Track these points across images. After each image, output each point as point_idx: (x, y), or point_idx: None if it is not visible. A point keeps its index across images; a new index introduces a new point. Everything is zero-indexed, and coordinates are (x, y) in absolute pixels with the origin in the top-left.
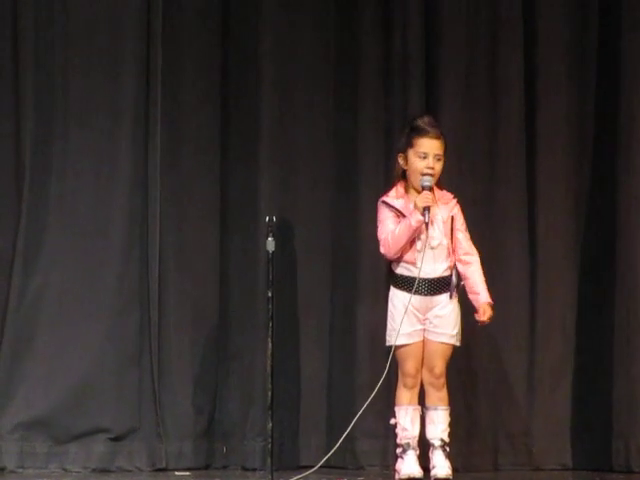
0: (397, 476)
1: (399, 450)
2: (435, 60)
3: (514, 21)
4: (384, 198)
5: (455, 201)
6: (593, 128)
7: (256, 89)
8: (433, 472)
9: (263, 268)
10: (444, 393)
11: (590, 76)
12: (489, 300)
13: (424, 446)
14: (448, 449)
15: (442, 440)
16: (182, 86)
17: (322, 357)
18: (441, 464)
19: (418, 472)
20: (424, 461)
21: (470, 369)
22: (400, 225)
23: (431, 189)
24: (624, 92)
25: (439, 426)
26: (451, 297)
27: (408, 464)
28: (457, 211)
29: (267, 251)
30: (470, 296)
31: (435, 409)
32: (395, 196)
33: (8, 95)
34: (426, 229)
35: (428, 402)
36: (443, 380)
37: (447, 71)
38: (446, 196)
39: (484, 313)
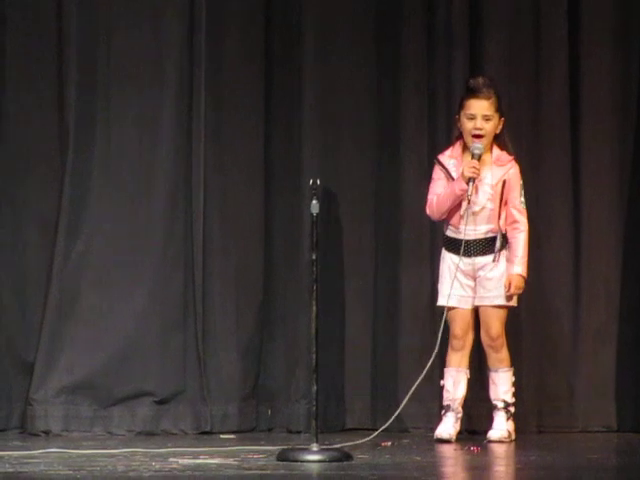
0: None
1: (442, 411)
2: (479, 25)
3: None
4: (439, 156)
5: (512, 163)
6: (637, 90)
7: (299, 55)
8: (489, 433)
9: (307, 231)
10: (503, 354)
11: (635, 38)
12: (520, 272)
13: (472, 408)
14: (513, 410)
15: (504, 401)
16: (226, 52)
17: (366, 320)
18: (498, 426)
19: (447, 435)
20: (475, 424)
21: (514, 332)
22: (444, 190)
23: (480, 157)
24: None
25: (501, 387)
26: (494, 260)
27: (443, 426)
28: (513, 174)
29: (311, 214)
30: (507, 264)
31: (496, 371)
32: (450, 155)
33: (52, 59)
34: (468, 199)
35: (489, 364)
36: (501, 341)
37: (491, 36)
38: (503, 157)
39: (509, 284)
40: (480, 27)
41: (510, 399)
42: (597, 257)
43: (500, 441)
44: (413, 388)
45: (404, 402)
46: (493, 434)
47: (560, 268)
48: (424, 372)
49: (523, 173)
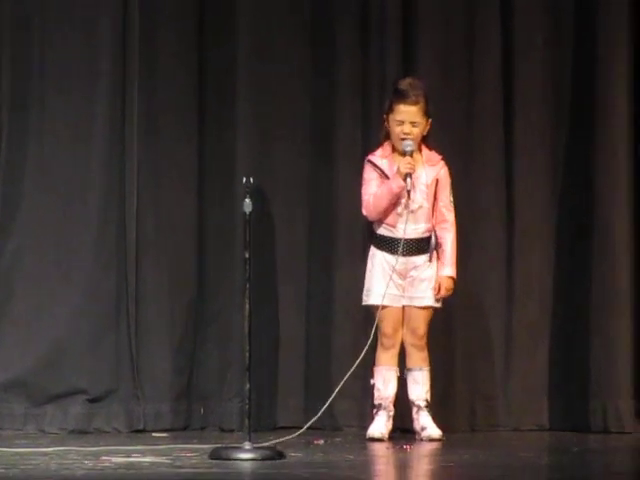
0: None
1: (373, 410)
2: (412, 23)
3: None
4: (370, 157)
5: (442, 163)
6: (570, 90)
7: (232, 53)
8: (425, 433)
9: (240, 230)
10: (426, 354)
11: (568, 36)
12: (450, 274)
13: (405, 408)
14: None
15: (426, 401)
16: (159, 51)
17: (300, 319)
18: (431, 424)
19: (380, 434)
20: (407, 422)
21: (447, 331)
22: (381, 189)
23: (412, 154)
24: (601, 51)
25: (423, 387)
26: (430, 260)
27: (375, 425)
28: (444, 173)
29: (244, 212)
30: (437, 263)
31: (420, 369)
32: (381, 155)
33: None
34: (407, 195)
35: (410, 363)
36: (425, 341)
37: (424, 32)
38: (434, 157)
39: (440, 286)
40: (414, 23)
41: (429, 398)
42: (530, 254)
43: (440, 439)
44: (341, 384)
45: (331, 398)
46: (432, 433)
47: (493, 265)
48: (352, 369)
49: (456, 170)
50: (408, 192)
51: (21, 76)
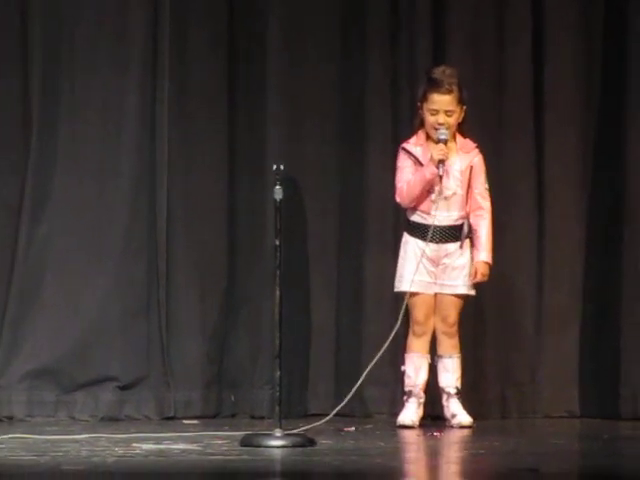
0: None
1: (404, 397)
2: (442, 10)
3: None
4: (404, 144)
5: (477, 151)
6: (600, 73)
7: (263, 40)
8: (455, 420)
9: (271, 217)
10: (457, 341)
11: (598, 22)
12: (486, 259)
13: (437, 395)
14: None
15: (457, 388)
16: (189, 36)
17: (330, 305)
18: (461, 411)
19: (411, 421)
20: (438, 409)
21: (477, 317)
22: (415, 175)
23: (446, 142)
24: (632, 33)
25: (453, 374)
26: (461, 247)
27: (405, 412)
28: (478, 161)
29: (275, 199)
30: (473, 250)
31: (450, 357)
32: (415, 143)
33: (16, 46)
34: (440, 181)
35: (441, 350)
36: (456, 328)
37: (454, 21)
38: (468, 145)
39: (476, 272)
40: (443, 10)
41: (459, 386)
42: (561, 241)
43: (471, 426)
44: (367, 370)
45: (358, 383)
46: (463, 419)
47: (524, 252)
48: (379, 354)
49: (487, 157)
50: (440, 177)
51: (52, 63)
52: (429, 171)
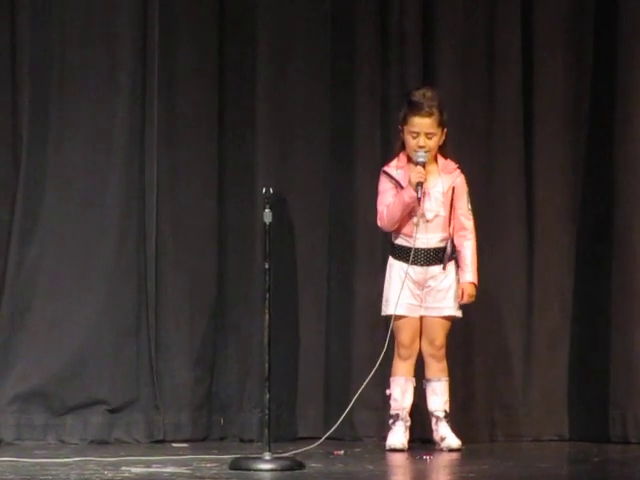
0: None
1: (390, 421)
2: (432, 29)
3: None
4: (385, 168)
5: (459, 171)
6: (590, 93)
7: (252, 61)
8: (445, 443)
9: (260, 240)
10: (445, 364)
11: (588, 39)
12: (471, 280)
13: (426, 418)
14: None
15: (445, 411)
16: (179, 58)
17: (319, 328)
18: (450, 435)
19: (400, 444)
20: (427, 432)
21: (466, 339)
22: (394, 200)
23: (425, 164)
24: (621, 53)
25: (442, 397)
26: (444, 268)
27: (394, 435)
28: (460, 182)
29: (264, 223)
30: (459, 271)
31: (438, 380)
32: (396, 166)
33: (5, 67)
34: (418, 204)
35: (429, 374)
36: (444, 351)
37: (444, 41)
38: (449, 166)
39: (462, 293)
40: (434, 29)
41: (448, 409)
42: (550, 263)
43: (459, 449)
44: (357, 394)
45: (348, 408)
46: (452, 443)
47: (513, 274)
48: (367, 379)
49: (476, 177)
50: (418, 200)
51: (41, 84)
52: (407, 194)
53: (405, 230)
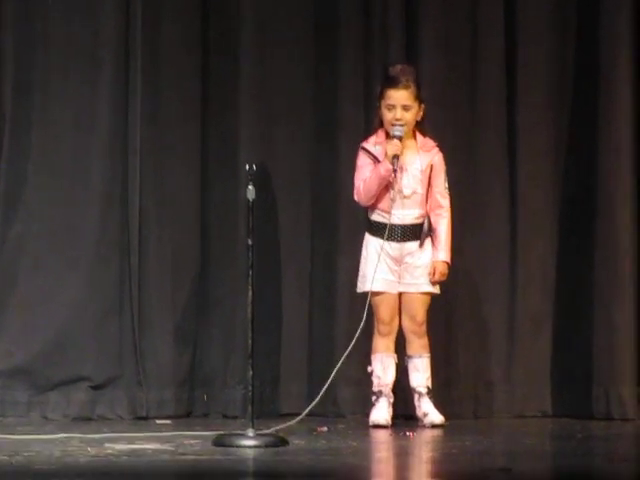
0: None
1: (373, 397)
2: (415, 8)
3: None
4: (363, 144)
5: (437, 149)
6: (573, 73)
7: (237, 42)
8: (428, 419)
9: (243, 216)
10: (426, 340)
11: (570, 18)
12: (444, 259)
13: (408, 394)
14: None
15: (427, 387)
16: (162, 34)
17: (302, 305)
18: (433, 410)
19: (384, 420)
20: (409, 409)
21: (449, 317)
22: (371, 173)
23: (401, 138)
24: (603, 35)
25: (423, 374)
26: (421, 245)
27: (377, 411)
28: (438, 160)
29: (247, 199)
30: (432, 248)
31: (420, 357)
32: (374, 142)
33: None
34: (394, 177)
35: (410, 351)
36: (424, 327)
37: (426, 18)
38: (428, 143)
39: (434, 271)
40: (416, 8)
41: (430, 385)
42: (533, 241)
43: (442, 425)
44: (335, 370)
45: (327, 384)
46: (435, 418)
47: (496, 252)
48: (344, 355)
49: (459, 155)
50: (394, 173)
51: (24, 62)
52: (384, 167)
53: (381, 206)
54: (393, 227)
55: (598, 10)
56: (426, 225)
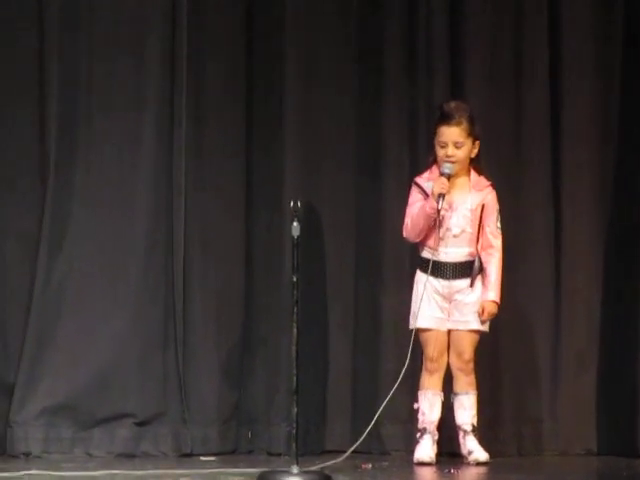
0: None
1: (418, 434)
2: (460, 45)
3: (540, 5)
4: (416, 178)
5: (490, 188)
6: (617, 119)
7: (281, 74)
8: (472, 457)
9: (288, 253)
10: (473, 378)
11: (615, 61)
12: (493, 298)
13: (453, 432)
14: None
15: (473, 425)
16: (207, 71)
17: (347, 342)
18: (478, 448)
19: (428, 457)
20: (454, 446)
21: (494, 354)
22: (418, 210)
23: (450, 176)
24: None
25: (469, 411)
26: (471, 285)
27: (421, 449)
28: (490, 199)
29: (292, 236)
30: (482, 287)
31: (466, 394)
32: (427, 177)
33: (33, 82)
34: (438, 215)
35: (457, 388)
36: (472, 365)
37: (472, 56)
38: (481, 182)
39: (483, 311)
40: (461, 46)
41: (476, 423)
42: (578, 278)
43: (486, 463)
44: (382, 407)
45: (373, 421)
46: (480, 456)
47: (540, 289)
48: (391, 392)
49: (504, 192)
50: (438, 212)
51: (68, 97)
52: (429, 205)
53: (429, 243)
54: (440, 264)
55: None
56: (477, 264)
